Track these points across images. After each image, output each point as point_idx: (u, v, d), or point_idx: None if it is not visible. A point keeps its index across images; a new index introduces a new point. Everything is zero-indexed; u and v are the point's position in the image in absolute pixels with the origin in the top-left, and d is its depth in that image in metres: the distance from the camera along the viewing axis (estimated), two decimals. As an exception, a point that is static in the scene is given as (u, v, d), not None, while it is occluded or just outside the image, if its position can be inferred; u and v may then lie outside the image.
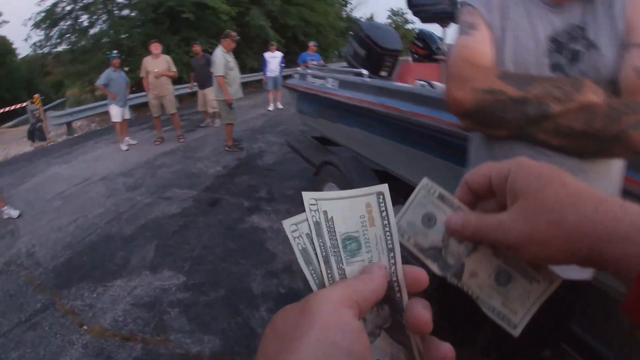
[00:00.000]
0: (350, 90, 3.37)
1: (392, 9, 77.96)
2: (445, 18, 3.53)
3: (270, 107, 12.13)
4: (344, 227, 0.39)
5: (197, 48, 8.97)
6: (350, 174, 3.23)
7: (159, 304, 3.32)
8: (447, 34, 3.77)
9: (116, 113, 8.16)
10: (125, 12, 17.27)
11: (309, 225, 0.39)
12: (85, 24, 17.02)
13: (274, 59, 11.60)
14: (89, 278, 3.75)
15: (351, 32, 5.02)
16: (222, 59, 6.62)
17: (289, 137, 5.63)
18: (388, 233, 0.39)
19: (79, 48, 16.96)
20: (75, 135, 11.12)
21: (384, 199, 0.40)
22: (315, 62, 8.97)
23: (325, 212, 0.39)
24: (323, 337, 0.29)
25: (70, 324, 3.17)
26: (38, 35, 17.04)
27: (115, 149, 8.63)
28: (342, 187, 3.35)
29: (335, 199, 0.39)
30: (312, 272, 0.38)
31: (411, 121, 2.54)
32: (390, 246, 0.39)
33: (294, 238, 0.38)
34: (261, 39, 19.22)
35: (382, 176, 3.19)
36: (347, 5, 34.15)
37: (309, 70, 4.72)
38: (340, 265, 0.38)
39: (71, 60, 17.44)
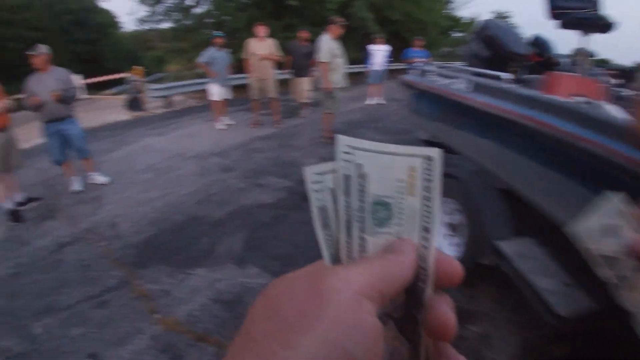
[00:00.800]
0: (489, 96, 2.90)
1: (498, 11, 75.46)
2: (589, 25, 3.15)
3: (370, 101, 11.68)
4: (377, 187, 0.32)
5: (304, 34, 8.67)
6: (472, 190, 2.96)
7: (241, 304, 3.03)
8: (585, 42, 3.24)
9: (216, 92, 8.19)
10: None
11: (335, 178, 0.32)
12: (190, 2, 17.31)
13: (379, 52, 11.12)
14: (170, 261, 3.57)
15: (475, 30, 4.68)
16: (328, 45, 6.34)
17: (393, 137, 5.14)
18: (427, 208, 0.32)
19: (182, 26, 17.32)
20: (173, 109, 11.32)
21: (432, 166, 0.32)
22: (422, 59, 8.51)
23: (359, 166, 0.32)
24: (332, 337, 0.24)
25: (142, 309, 2.98)
26: (144, 11, 17.58)
27: (210, 127, 8.68)
28: (461, 202, 3.09)
29: (375, 151, 0.32)
30: (328, 238, 0.33)
31: (570, 145, 2.13)
32: (426, 225, 0.32)
33: (314, 192, 0.33)
34: (362, 32, 18.78)
35: (509, 197, 2.83)
36: (451, 3, 32.93)
37: (434, 67, 4.27)
38: (362, 233, 0.32)
39: (174, 37, 17.94)
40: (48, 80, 4.65)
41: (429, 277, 0.32)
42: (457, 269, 0.33)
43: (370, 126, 8.75)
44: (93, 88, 15.91)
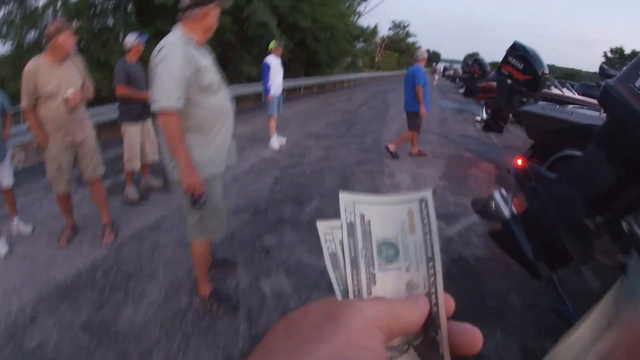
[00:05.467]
0: None
1: (395, 21, 75.77)
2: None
3: (276, 144, 8.04)
4: (381, 232, 0.37)
5: (136, 47, 4.73)
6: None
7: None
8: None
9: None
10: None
11: (342, 229, 0.37)
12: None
13: (279, 67, 7.75)
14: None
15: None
16: (179, 62, 2.42)
17: None
18: (428, 241, 0.36)
19: None
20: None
21: (426, 205, 0.37)
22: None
23: (362, 215, 0.37)
24: (343, 352, 0.26)
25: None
26: None
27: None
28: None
29: (375, 203, 0.37)
30: (338, 277, 0.37)
31: None
32: (429, 255, 0.36)
33: (326, 241, 0.38)
34: (264, 41, 15.06)
35: None
36: (355, 14, 30.45)
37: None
38: (371, 269, 0.36)
39: None
40: None
41: (440, 301, 0.35)
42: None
43: (294, 218, 4.88)
44: None
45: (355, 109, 15.12)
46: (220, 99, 2.69)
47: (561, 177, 2.84)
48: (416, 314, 0.33)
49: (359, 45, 34.67)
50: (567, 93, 12.78)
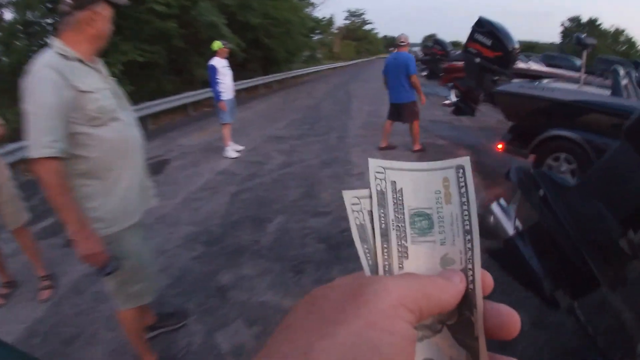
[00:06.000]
0: None
1: (350, 10, 75.17)
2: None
3: (232, 153, 7.24)
4: (414, 201, 0.34)
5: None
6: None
7: None
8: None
9: None
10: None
11: (370, 196, 0.34)
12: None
13: (227, 69, 6.98)
14: None
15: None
16: (50, 81, 1.72)
17: None
18: (466, 213, 0.34)
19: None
20: None
21: (464, 173, 0.34)
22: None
23: (393, 182, 0.34)
24: (366, 334, 0.25)
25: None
26: None
27: None
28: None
29: (407, 170, 0.35)
30: (367, 250, 0.34)
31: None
32: (467, 227, 0.34)
33: (353, 211, 0.34)
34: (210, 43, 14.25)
35: None
36: (310, 5, 29.70)
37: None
38: (403, 242, 0.34)
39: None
40: None
41: (477, 278, 0.33)
42: (489, 281, 0.33)
43: (258, 243, 4.21)
44: None
45: (316, 103, 14.40)
46: (119, 128, 1.96)
47: (582, 185, 2.22)
48: (450, 292, 0.31)
49: (316, 37, 34.05)
50: (534, 66, 12.33)
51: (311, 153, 7.29)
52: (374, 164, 0.34)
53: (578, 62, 20.01)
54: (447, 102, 12.27)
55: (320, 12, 41.38)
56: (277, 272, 3.49)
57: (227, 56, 7.03)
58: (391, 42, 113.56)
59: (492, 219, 2.52)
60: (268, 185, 5.63)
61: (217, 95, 6.81)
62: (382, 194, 0.34)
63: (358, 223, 0.34)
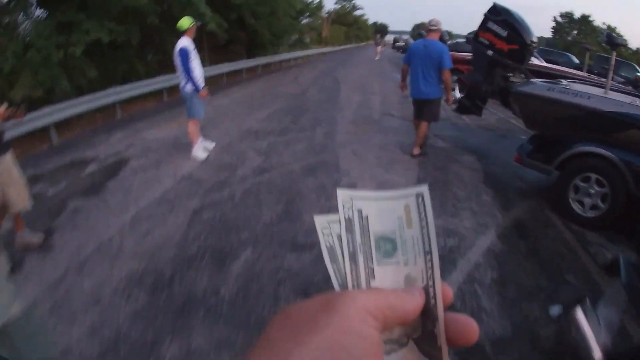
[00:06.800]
0: None
1: (337, -6, 73.32)
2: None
3: (201, 153, 6.13)
4: (379, 226, 0.37)
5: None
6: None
7: None
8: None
9: None
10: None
11: (340, 224, 0.37)
12: None
13: (196, 52, 5.97)
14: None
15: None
16: None
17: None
18: (426, 235, 0.37)
19: None
20: None
21: (423, 200, 0.37)
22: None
23: (359, 211, 0.37)
24: (338, 339, 0.27)
25: None
26: None
27: None
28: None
29: (372, 199, 0.38)
30: (336, 270, 0.37)
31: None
32: (427, 249, 0.37)
33: (323, 235, 0.37)
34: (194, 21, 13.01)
35: None
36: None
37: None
38: (370, 264, 0.37)
39: None
40: None
41: (438, 293, 0.35)
42: (449, 293, 0.36)
43: (217, 294, 3.35)
44: None
45: (302, 91, 13.26)
46: None
47: None
48: (412, 304, 0.33)
49: (305, 20, 32.74)
50: (535, 62, 11.41)
51: (293, 154, 6.25)
52: (342, 195, 0.37)
53: (575, 59, 19.33)
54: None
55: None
56: (239, 344, 2.52)
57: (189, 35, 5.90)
58: (381, 29, 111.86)
59: (574, 330, 1.57)
60: (238, 199, 4.61)
61: (195, 83, 5.76)
62: (349, 221, 0.37)
63: (328, 245, 0.37)
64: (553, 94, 4.53)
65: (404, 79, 6.21)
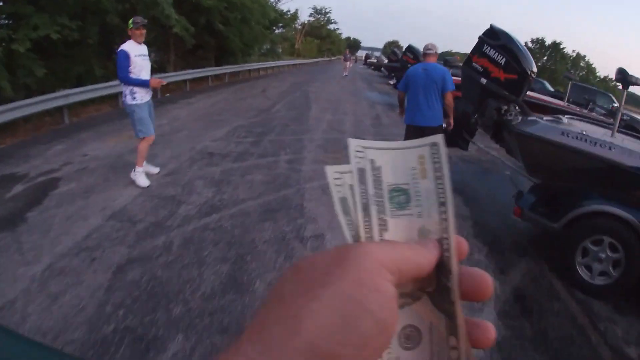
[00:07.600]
0: None
1: (316, 7, 72.95)
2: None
3: (143, 177, 5.13)
4: (392, 177, 0.36)
5: None
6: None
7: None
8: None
9: None
10: None
11: (352, 174, 0.36)
12: None
13: (145, 59, 5.09)
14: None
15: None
16: None
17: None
18: (440, 186, 0.35)
19: None
20: None
21: (438, 150, 0.36)
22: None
23: (372, 161, 0.36)
24: (352, 292, 0.27)
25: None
26: None
27: None
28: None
29: (385, 149, 0.37)
30: (349, 221, 0.36)
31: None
32: (442, 200, 0.35)
33: (335, 185, 0.36)
34: (159, 23, 12.00)
35: None
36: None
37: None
38: (382, 216, 0.36)
39: None
40: None
41: (452, 246, 0.34)
42: (464, 246, 0.35)
43: None
44: None
45: (270, 106, 12.28)
46: None
47: None
48: (426, 257, 0.32)
49: (278, 30, 32.05)
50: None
51: (249, 188, 5.28)
52: (354, 144, 0.36)
53: (549, 85, 19.13)
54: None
55: (285, 5, 39.40)
56: None
57: (145, 41, 5.03)
58: (353, 44, 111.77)
59: None
60: (175, 252, 3.62)
61: (131, 93, 4.83)
62: (362, 172, 0.36)
63: (340, 196, 0.36)
64: (565, 139, 3.78)
65: (401, 105, 5.84)
